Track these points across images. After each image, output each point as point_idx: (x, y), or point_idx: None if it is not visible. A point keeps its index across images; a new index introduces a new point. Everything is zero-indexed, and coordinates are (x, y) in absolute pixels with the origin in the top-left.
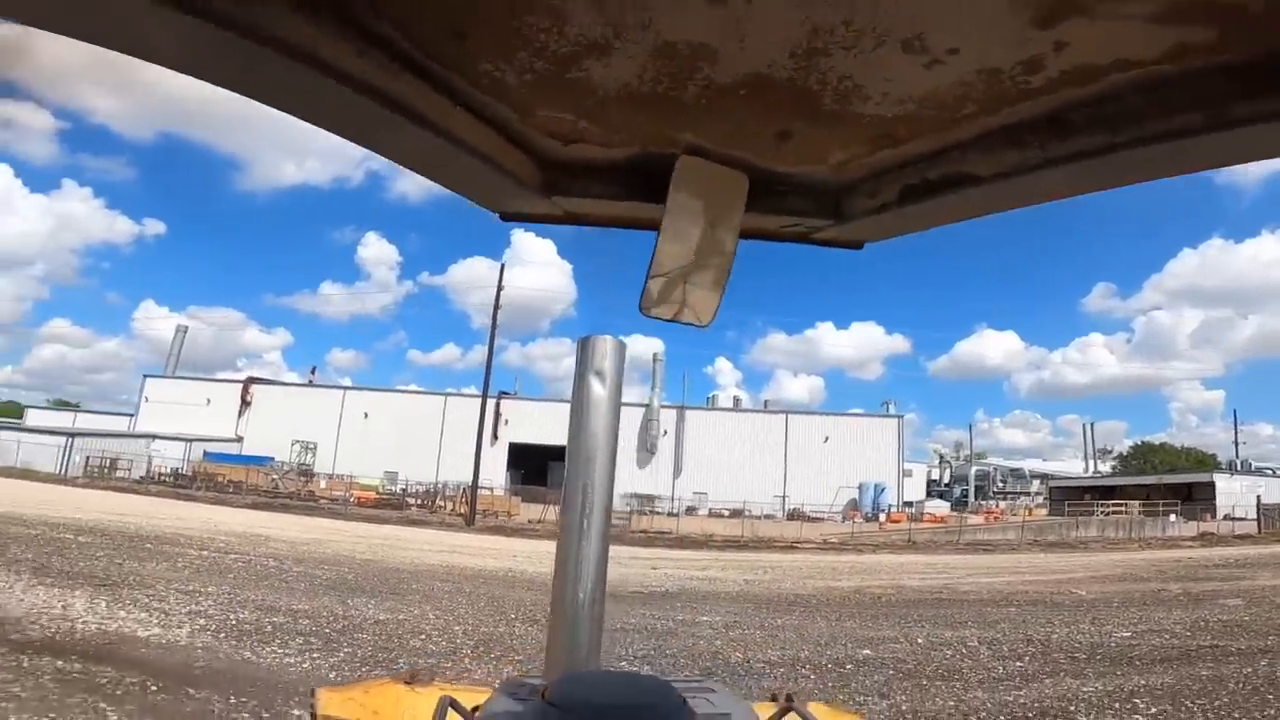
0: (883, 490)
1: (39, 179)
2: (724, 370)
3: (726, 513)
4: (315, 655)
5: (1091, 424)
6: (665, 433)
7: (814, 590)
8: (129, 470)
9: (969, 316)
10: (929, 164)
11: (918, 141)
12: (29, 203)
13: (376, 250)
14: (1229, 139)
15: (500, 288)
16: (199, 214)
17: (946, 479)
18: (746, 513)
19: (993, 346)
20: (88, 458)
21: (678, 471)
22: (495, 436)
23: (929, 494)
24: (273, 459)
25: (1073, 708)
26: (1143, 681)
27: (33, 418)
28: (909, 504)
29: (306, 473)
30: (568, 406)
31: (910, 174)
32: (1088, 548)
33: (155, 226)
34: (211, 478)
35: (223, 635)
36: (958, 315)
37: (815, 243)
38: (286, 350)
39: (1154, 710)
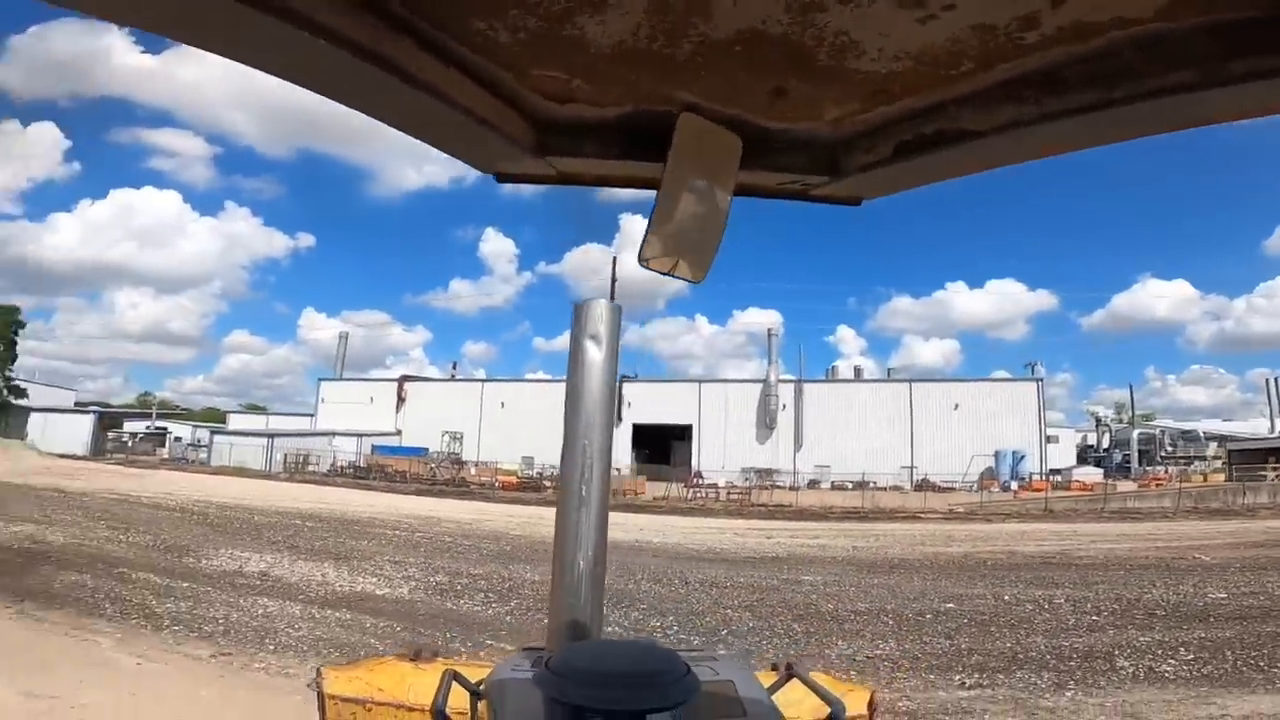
0: (1022, 458)
1: (205, 202)
2: (846, 339)
3: (850, 485)
4: (494, 606)
5: (1277, 378)
6: (784, 406)
7: (921, 555)
8: (317, 464)
9: (1126, 267)
10: (925, 119)
11: (913, 97)
12: (200, 225)
13: (495, 245)
14: (1223, 95)
15: (614, 278)
16: (341, 223)
17: (1106, 444)
18: (873, 484)
19: (1160, 297)
20: (284, 455)
21: (798, 445)
22: (619, 418)
23: (1083, 460)
24: (427, 449)
25: (1117, 652)
26: (1201, 634)
27: (234, 421)
28: (1055, 472)
29: (457, 461)
30: (686, 386)
31: (906, 130)
32: (1255, 514)
33: (306, 239)
34: (381, 468)
35: (429, 592)
36: (1111, 267)
37: (812, 199)
38: (427, 346)
39: (1190, 657)
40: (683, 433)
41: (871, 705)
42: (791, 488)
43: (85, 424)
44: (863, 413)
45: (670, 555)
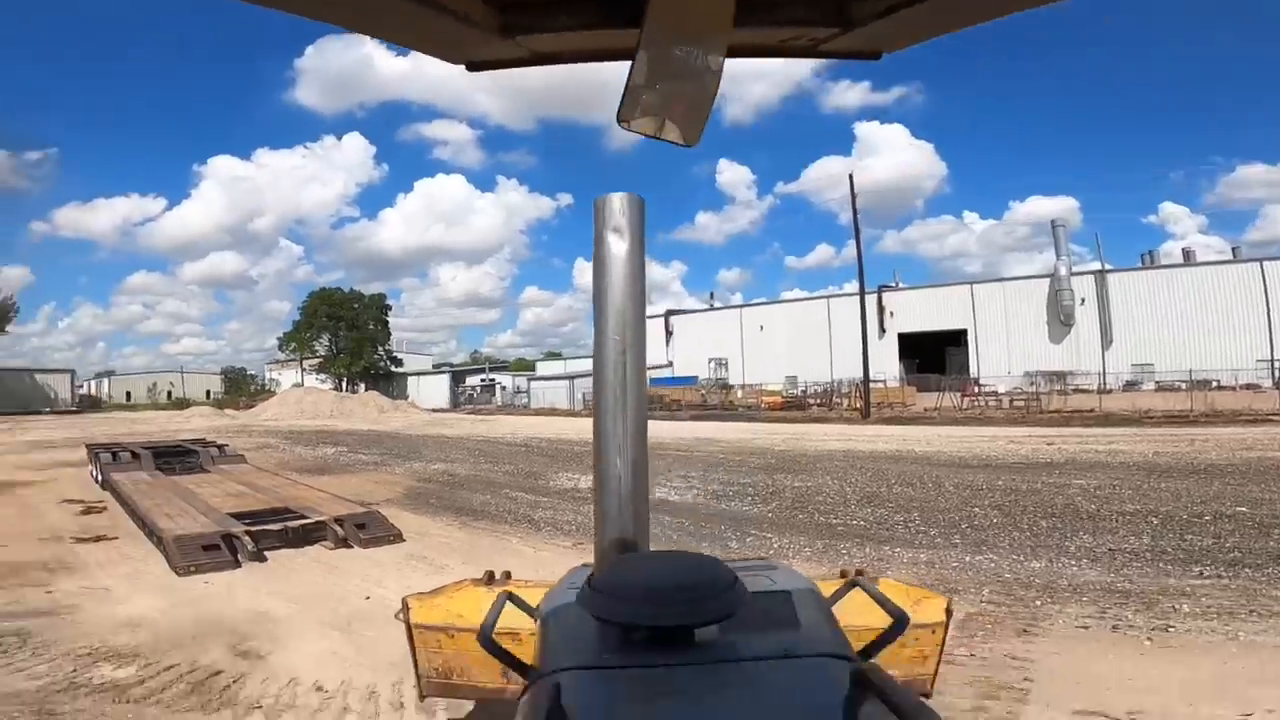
0: None
1: (481, 180)
2: (1174, 218)
3: (1182, 385)
4: (759, 506)
5: None
6: (1083, 301)
7: (1241, 460)
8: None
9: None
10: None
11: None
12: (483, 201)
13: (730, 175)
14: None
15: (854, 194)
16: (588, 178)
17: None
18: (1215, 383)
19: None
20: (582, 394)
21: (1106, 342)
22: (882, 329)
23: None
24: (696, 377)
25: None
26: None
27: (540, 368)
28: None
29: (724, 385)
30: (958, 289)
31: None
32: None
33: (565, 198)
34: (660, 398)
35: (707, 497)
36: None
37: (822, 55)
38: (684, 278)
39: None
40: (957, 339)
41: (948, 613)
42: (1099, 391)
43: (443, 382)
44: (1198, 301)
45: (930, 462)
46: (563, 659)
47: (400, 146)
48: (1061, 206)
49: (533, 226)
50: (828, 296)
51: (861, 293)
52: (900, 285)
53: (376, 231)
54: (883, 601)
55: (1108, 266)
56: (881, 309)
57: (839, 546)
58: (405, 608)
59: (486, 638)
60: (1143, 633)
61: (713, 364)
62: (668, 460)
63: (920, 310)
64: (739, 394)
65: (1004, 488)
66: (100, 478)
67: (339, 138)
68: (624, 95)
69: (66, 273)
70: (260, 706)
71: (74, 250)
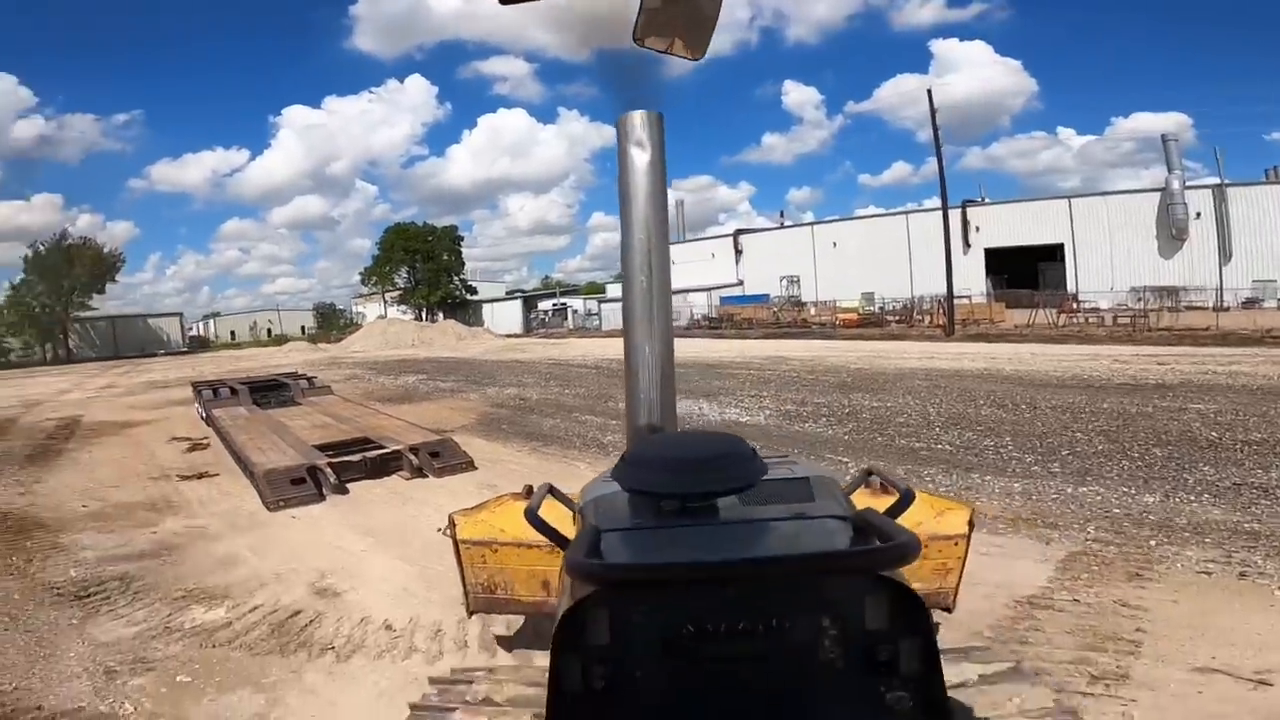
0: None
1: (542, 113)
2: None
3: None
4: (835, 428)
5: None
6: (1198, 215)
7: None
8: (677, 319)
9: None
10: None
11: None
12: (546, 133)
13: (797, 95)
14: None
15: (934, 109)
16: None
17: None
18: None
19: None
20: None
21: (1225, 258)
22: (967, 244)
23: None
24: (767, 296)
25: None
26: None
27: (611, 291)
28: None
29: (797, 303)
30: (1053, 204)
31: None
32: None
33: None
34: (730, 317)
35: (780, 418)
36: None
37: None
38: (752, 199)
39: None
40: (1052, 253)
41: (970, 524)
42: (1215, 308)
43: (516, 309)
44: None
45: (1023, 382)
46: (600, 525)
47: (460, 85)
48: (1171, 122)
49: (596, 154)
50: (906, 212)
51: (944, 206)
52: (986, 200)
53: (445, 168)
54: (894, 482)
55: (1227, 181)
56: (966, 223)
57: (922, 473)
58: (451, 524)
59: (532, 514)
60: (1274, 581)
61: (784, 282)
62: (738, 379)
63: (1010, 225)
64: (812, 311)
65: (1109, 411)
66: (204, 414)
67: (401, 80)
68: (638, 16)
69: (168, 224)
70: (333, 648)
71: (172, 203)
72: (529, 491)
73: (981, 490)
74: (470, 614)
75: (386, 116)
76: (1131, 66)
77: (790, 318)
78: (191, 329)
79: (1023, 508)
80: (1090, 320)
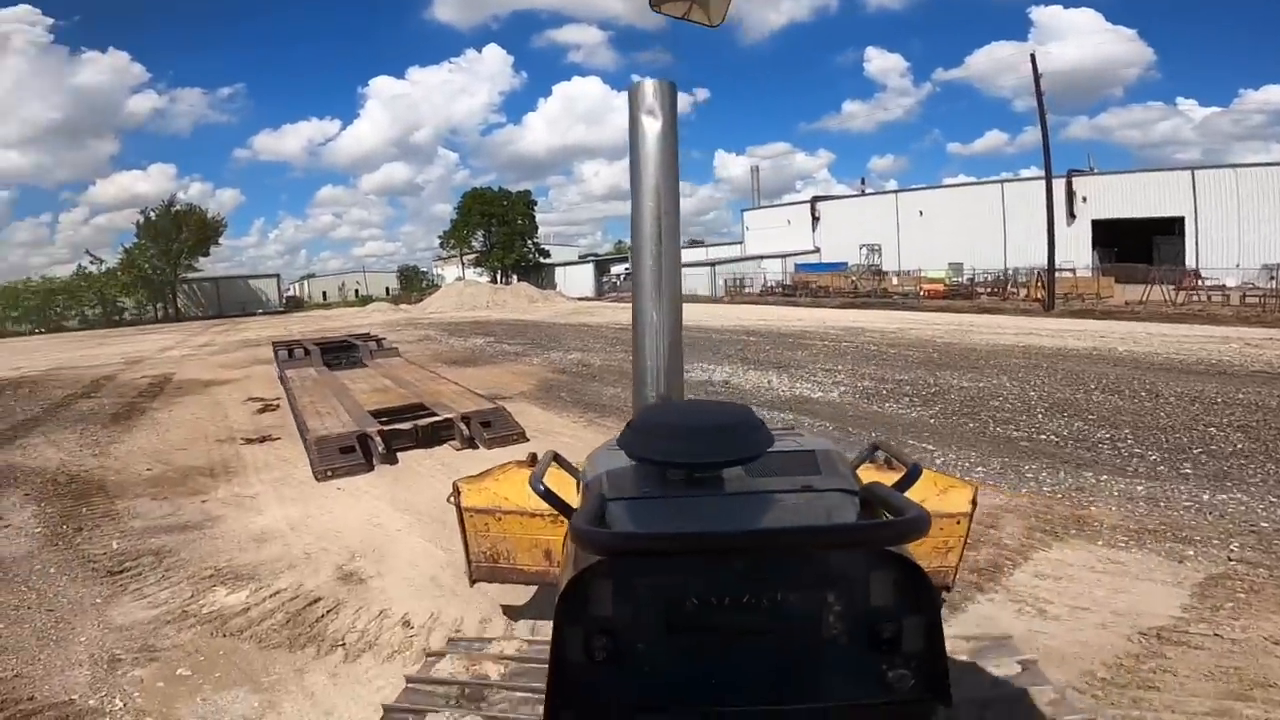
0: None
1: (616, 80)
2: None
3: None
4: (919, 409)
5: None
6: None
7: None
8: (751, 285)
9: None
10: None
11: None
12: (620, 100)
13: (880, 63)
14: None
15: (1037, 75)
16: (725, 73)
17: None
18: None
19: None
20: (724, 280)
21: None
22: (1072, 215)
23: None
24: (846, 263)
25: None
26: None
27: (682, 255)
28: None
29: (877, 272)
30: (1172, 175)
31: None
32: None
33: (701, 93)
34: (806, 285)
35: (856, 396)
36: None
37: None
38: (831, 167)
39: None
40: (1170, 227)
41: (973, 503)
42: None
43: (588, 272)
44: None
45: (1139, 365)
46: (606, 494)
47: (535, 53)
48: None
49: None
50: (1001, 181)
51: (1048, 174)
52: (1095, 170)
53: (522, 135)
54: (899, 456)
55: None
56: (1071, 193)
57: (1022, 468)
58: (456, 491)
59: (537, 482)
60: None
61: (864, 250)
62: (811, 351)
63: (1122, 196)
64: (894, 280)
65: (1247, 403)
66: (280, 374)
67: (479, 50)
68: None
69: (269, 191)
70: (343, 644)
71: (273, 171)
72: (534, 459)
73: (1097, 493)
74: (472, 583)
75: (466, 86)
76: (1262, 36)
77: (870, 286)
78: (289, 289)
79: (1148, 516)
80: (1213, 299)
